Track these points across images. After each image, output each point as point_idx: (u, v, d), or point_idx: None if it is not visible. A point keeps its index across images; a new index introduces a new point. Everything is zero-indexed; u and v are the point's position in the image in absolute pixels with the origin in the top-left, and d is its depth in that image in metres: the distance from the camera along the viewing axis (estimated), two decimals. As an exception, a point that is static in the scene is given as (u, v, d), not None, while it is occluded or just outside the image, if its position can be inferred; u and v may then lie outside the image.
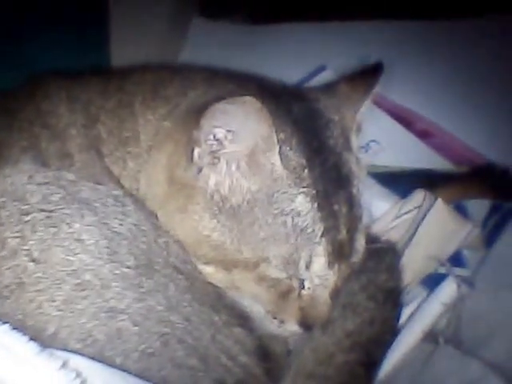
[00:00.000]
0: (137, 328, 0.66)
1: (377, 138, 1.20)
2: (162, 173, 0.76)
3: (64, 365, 0.53)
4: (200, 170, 0.72)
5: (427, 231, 0.93)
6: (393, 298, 0.84)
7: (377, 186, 1.08)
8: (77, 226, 0.67)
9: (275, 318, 0.76)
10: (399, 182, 1.10)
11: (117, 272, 0.67)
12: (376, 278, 0.85)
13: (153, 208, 0.75)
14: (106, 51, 1.16)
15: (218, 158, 0.71)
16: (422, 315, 0.86)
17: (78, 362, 0.55)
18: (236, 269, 0.72)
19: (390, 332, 0.82)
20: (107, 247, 0.67)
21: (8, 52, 1.08)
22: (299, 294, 0.74)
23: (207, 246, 0.72)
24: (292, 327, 0.75)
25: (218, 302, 0.74)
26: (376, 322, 0.80)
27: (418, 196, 0.98)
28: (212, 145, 0.70)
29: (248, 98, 0.65)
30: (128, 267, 0.67)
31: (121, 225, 0.70)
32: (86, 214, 0.68)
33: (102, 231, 0.68)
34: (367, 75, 0.83)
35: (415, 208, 0.96)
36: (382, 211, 1.03)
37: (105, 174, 0.77)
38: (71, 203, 0.69)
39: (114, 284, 0.66)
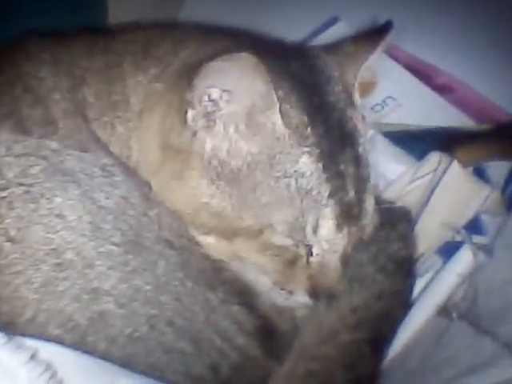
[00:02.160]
0: (122, 310, 0.62)
1: (393, 95, 1.14)
2: (154, 138, 0.71)
3: (33, 356, 0.49)
4: (195, 133, 0.67)
5: (442, 196, 0.87)
6: (405, 269, 0.79)
7: (392, 146, 1.02)
8: (58, 200, 0.63)
9: (283, 290, 0.71)
10: (416, 142, 1.03)
11: (101, 250, 0.63)
12: (387, 247, 0.80)
13: (146, 176, 0.71)
14: (103, 9, 1.09)
15: (214, 121, 0.67)
16: (435, 287, 0.80)
17: (50, 351, 0.51)
18: (238, 238, 0.68)
19: (400, 306, 0.77)
20: (91, 223, 0.63)
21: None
22: (307, 262, 0.70)
23: (206, 214, 0.68)
24: (301, 298, 0.71)
25: (216, 277, 0.69)
26: (385, 295, 0.75)
27: (434, 159, 0.91)
28: (207, 106, 0.66)
29: (243, 55, 0.60)
30: (114, 244, 0.63)
31: (107, 198, 0.66)
32: (68, 187, 0.64)
33: (86, 205, 0.64)
34: (374, 34, 0.77)
35: (431, 172, 0.90)
36: (396, 174, 0.97)
37: (92, 141, 0.72)
38: (53, 175, 0.64)
39: (97, 263, 0.62)
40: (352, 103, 0.75)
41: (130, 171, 0.71)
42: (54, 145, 0.67)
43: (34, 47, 0.76)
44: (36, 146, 0.66)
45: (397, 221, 0.84)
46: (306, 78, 0.71)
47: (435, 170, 0.90)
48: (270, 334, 0.72)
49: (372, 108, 1.13)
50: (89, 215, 0.64)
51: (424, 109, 1.12)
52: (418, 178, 0.92)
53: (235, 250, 0.70)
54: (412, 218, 0.86)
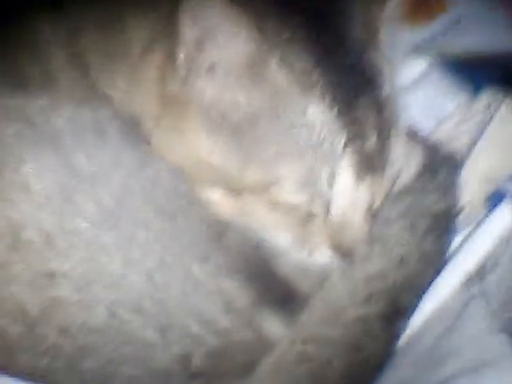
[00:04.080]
0: (79, 296, 0.57)
1: (453, 13, 0.98)
2: (152, 88, 0.66)
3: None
4: (187, 80, 0.62)
5: (492, 140, 0.76)
6: (440, 225, 0.70)
7: (444, 80, 0.90)
8: (25, 169, 0.59)
9: (303, 248, 0.66)
10: (474, 73, 0.90)
11: (66, 225, 0.58)
12: (421, 199, 0.71)
13: (147, 132, 0.66)
14: None
15: (206, 67, 0.61)
16: (469, 249, 0.69)
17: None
18: (244, 195, 0.63)
19: (427, 272, 0.68)
20: (60, 194, 0.58)
21: None
22: (325, 220, 0.64)
23: (207, 170, 0.63)
24: (325, 255, 0.65)
25: (213, 244, 0.64)
26: (409, 260, 0.66)
27: (487, 97, 0.79)
28: (195, 50, 0.60)
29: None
30: (84, 218, 0.58)
31: (89, 161, 0.61)
32: (43, 153, 0.60)
33: (59, 174, 0.59)
34: None
35: (482, 111, 0.78)
36: (449, 112, 0.86)
37: (92, 94, 0.68)
38: (27, 140, 0.60)
39: (58, 241, 0.57)
40: (375, 43, 0.66)
41: (129, 127, 0.66)
42: (42, 102, 0.63)
43: None
44: (15, 107, 0.62)
45: (438, 168, 0.75)
46: (316, 15, 0.63)
47: (487, 110, 0.77)
48: (288, 300, 0.66)
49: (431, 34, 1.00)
50: (59, 186, 0.59)
51: (488, 31, 0.97)
52: (470, 119, 0.80)
53: (243, 208, 0.64)
54: (457, 165, 0.76)
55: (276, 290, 0.66)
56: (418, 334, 0.65)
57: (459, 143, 0.80)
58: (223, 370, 0.60)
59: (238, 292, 0.62)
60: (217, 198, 0.65)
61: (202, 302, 0.61)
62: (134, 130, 0.66)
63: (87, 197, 0.59)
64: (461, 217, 0.72)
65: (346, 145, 0.61)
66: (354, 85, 0.62)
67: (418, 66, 0.93)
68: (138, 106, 0.68)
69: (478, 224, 0.71)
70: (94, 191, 0.60)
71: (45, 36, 0.70)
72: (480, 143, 0.76)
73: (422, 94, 0.89)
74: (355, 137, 0.61)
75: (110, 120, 0.65)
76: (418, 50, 0.96)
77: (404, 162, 0.70)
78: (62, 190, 0.59)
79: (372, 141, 0.62)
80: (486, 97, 0.80)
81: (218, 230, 0.65)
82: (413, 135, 0.80)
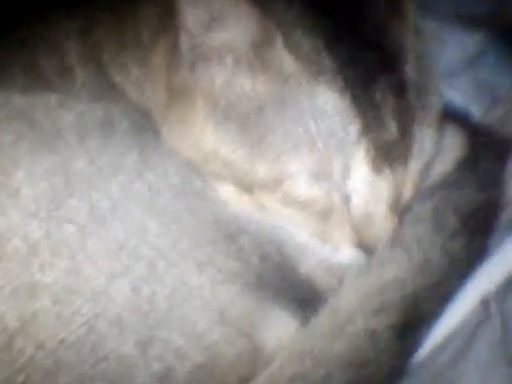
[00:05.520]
0: (57, 308, 0.54)
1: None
2: (161, 78, 0.64)
3: None
4: (195, 69, 0.60)
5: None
6: (472, 226, 0.62)
7: (499, 59, 0.81)
8: (18, 175, 0.57)
9: (325, 245, 0.62)
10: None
11: (53, 234, 0.55)
12: (455, 196, 0.64)
13: (158, 123, 0.64)
14: None
15: (216, 54, 0.58)
16: (499, 256, 0.61)
17: None
18: (257, 190, 0.60)
19: (451, 280, 0.60)
20: (52, 199, 0.56)
21: None
22: (346, 215, 0.60)
23: (216, 163, 0.61)
24: (348, 251, 0.61)
25: (221, 246, 0.60)
26: (433, 264, 0.60)
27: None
28: (198, 36, 0.58)
29: None
30: (74, 224, 0.56)
31: (89, 163, 0.58)
32: (39, 156, 0.58)
33: (54, 178, 0.57)
34: None
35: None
36: (503, 91, 0.78)
37: (106, 88, 0.67)
38: (27, 142, 0.58)
39: (44, 250, 0.55)
40: (398, 13, 0.60)
41: (141, 122, 0.64)
42: (50, 100, 0.62)
43: None
44: (20, 107, 0.61)
45: (481, 158, 0.67)
46: None
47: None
48: (307, 301, 0.62)
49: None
50: (51, 191, 0.57)
51: None
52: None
53: (258, 203, 0.61)
54: (505, 155, 0.68)
55: (295, 289, 0.62)
56: (441, 346, 0.58)
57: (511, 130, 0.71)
58: None
59: (234, 301, 0.58)
60: (229, 194, 0.62)
61: (191, 314, 0.57)
62: (144, 125, 0.64)
63: (80, 202, 0.57)
64: (503, 216, 0.63)
65: (361, 134, 0.56)
66: (371, 65, 0.58)
67: (472, 43, 0.84)
68: (149, 98, 0.66)
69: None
70: (89, 196, 0.57)
71: (60, 30, 0.69)
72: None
73: (473, 74, 0.81)
74: (372, 125, 0.57)
75: (121, 115, 0.63)
76: (475, 22, 0.87)
77: (438, 152, 0.63)
78: (55, 196, 0.57)
79: (392, 128, 0.57)
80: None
81: (231, 231, 0.61)
82: (458, 120, 0.73)
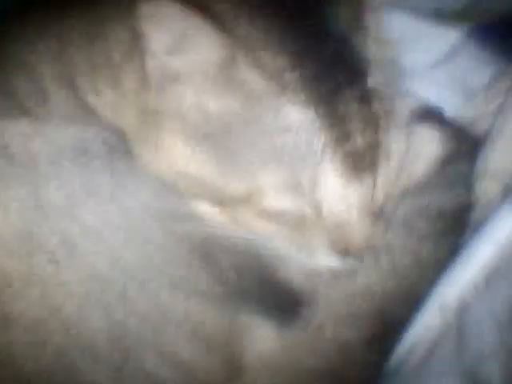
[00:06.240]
0: (28, 338, 0.55)
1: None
2: (131, 97, 0.65)
3: None
4: (162, 90, 0.61)
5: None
6: (441, 227, 0.63)
7: (475, 49, 0.81)
8: None
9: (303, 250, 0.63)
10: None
11: (25, 264, 0.56)
12: (426, 198, 0.65)
13: (132, 143, 0.65)
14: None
15: (181, 75, 0.59)
16: (473, 255, 0.60)
17: None
18: (231, 205, 0.61)
19: (421, 283, 0.61)
20: (23, 230, 0.57)
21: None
22: (320, 222, 0.61)
23: (187, 181, 0.62)
24: (325, 255, 0.62)
25: (196, 261, 0.61)
26: (402, 268, 0.61)
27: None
28: (166, 59, 0.58)
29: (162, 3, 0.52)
30: (45, 253, 0.57)
31: (58, 190, 0.60)
32: (11, 187, 0.59)
33: (25, 209, 0.58)
34: None
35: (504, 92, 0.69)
36: (477, 88, 0.78)
37: (80, 111, 0.68)
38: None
39: (16, 280, 0.56)
40: (360, 26, 0.61)
41: (114, 144, 0.65)
42: (22, 126, 0.63)
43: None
44: None
45: (454, 156, 0.68)
46: (291, 7, 0.59)
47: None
48: (289, 308, 0.63)
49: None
50: (22, 223, 0.58)
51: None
52: (495, 99, 0.72)
53: (234, 217, 0.62)
54: (476, 153, 0.68)
55: (274, 298, 0.64)
56: (408, 353, 0.58)
57: (483, 126, 0.71)
58: None
59: (208, 316, 0.59)
60: (204, 209, 0.63)
61: (164, 333, 0.58)
62: (118, 146, 0.65)
63: (51, 232, 0.58)
64: (472, 216, 0.64)
65: (326, 146, 0.57)
66: (335, 78, 0.58)
67: (448, 40, 0.84)
68: (122, 119, 0.67)
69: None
70: (59, 225, 0.59)
71: (36, 54, 0.69)
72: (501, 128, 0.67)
73: (449, 70, 0.81)
74: (338, 135, 0.58)
75: (94, 138, 0.64)
76: (451, 18, 0.87)
77: (411, 154, 0.64)
78: (26, 227, 0.58)
79: (359, 136, 0.58)
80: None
81: (206, 246, 0.62)
82: (433, 118, 0.73)
